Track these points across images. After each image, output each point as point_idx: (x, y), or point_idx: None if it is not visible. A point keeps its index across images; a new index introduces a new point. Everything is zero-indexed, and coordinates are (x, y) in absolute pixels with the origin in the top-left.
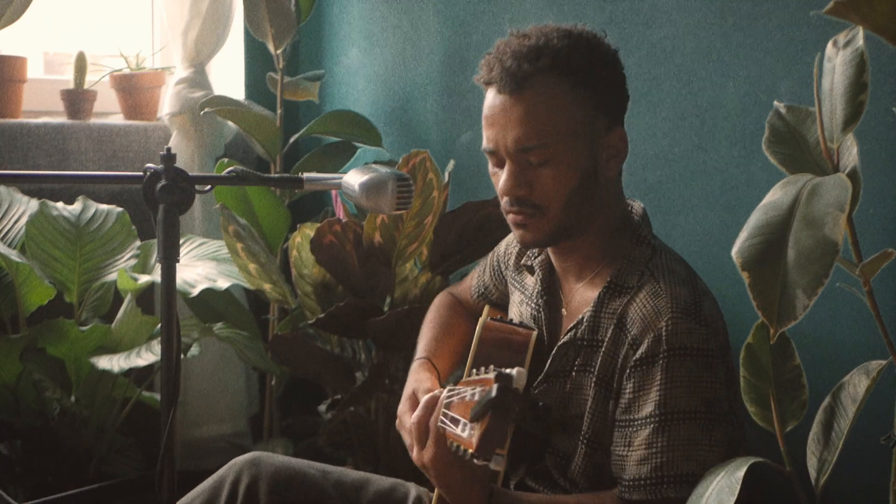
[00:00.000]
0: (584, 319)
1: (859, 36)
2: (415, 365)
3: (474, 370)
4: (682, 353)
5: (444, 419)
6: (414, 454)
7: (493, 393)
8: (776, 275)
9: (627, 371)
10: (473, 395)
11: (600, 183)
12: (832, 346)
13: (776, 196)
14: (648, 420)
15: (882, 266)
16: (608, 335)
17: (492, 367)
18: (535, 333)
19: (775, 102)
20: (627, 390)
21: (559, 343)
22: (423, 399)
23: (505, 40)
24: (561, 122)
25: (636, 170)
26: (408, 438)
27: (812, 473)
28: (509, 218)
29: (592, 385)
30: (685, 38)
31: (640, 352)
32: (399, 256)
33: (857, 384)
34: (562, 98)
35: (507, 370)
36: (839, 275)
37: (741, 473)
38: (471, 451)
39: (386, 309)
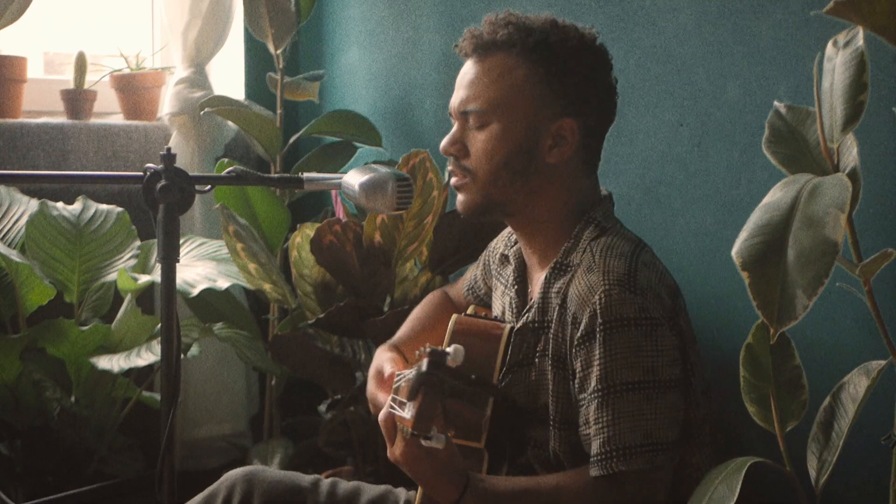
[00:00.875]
0: (535, 303)
1: (859, 36)
2: (379, 349)
3: (417, 352)
4: (619, 325)
5: (392, 405)
6: (388, 452)
7: (423, 367)
8: (776, 275)
9: (574, 350)
10: (412, 375)
11: (538, 166)
12: (832, 346)
13: (776, 196)
14: (593, 395)
15: (882, 266)
16: (555, 316)
17: (427, 344)
18: (508, 327)
19: (775, 102)
20: (577, 369)
21: (514, 329)
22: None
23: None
24: (505, 94)
25: (636, 170)
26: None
27: (812, 473)
28: (451, 181)
29: (550, 367)
30: (685, 38)
31: (580, 330)
32: (399, 256)
33: (857, 384)
34: (514, 72)
35: (443, 347)
36: (839, 275)
37: (741, 473)
38: (409, 428)
39: (386, 309)
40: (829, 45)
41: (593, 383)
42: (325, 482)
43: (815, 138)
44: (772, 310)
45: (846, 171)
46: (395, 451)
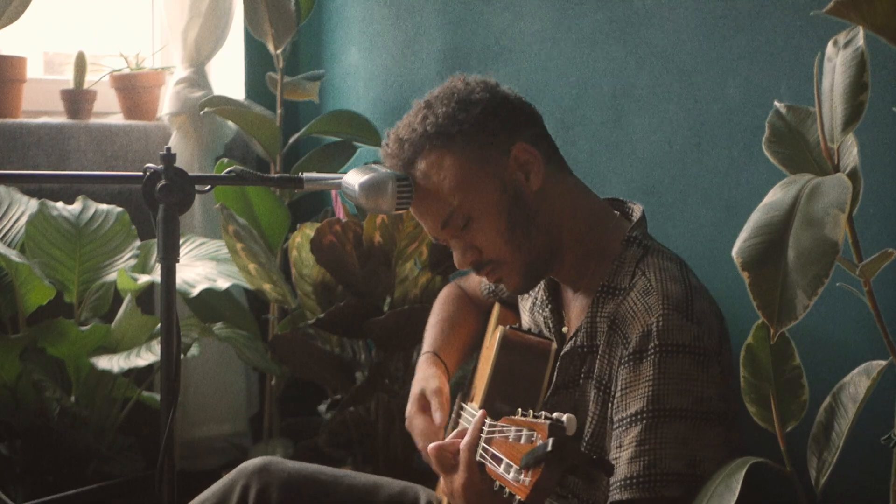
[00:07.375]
0: (582, 326)
1: (859, 36)
2: (422, 359)
3: (520, 410)
4: (675, 350)
5: (484, 455)
6: (442, 479)
7: (549, 448)
8: (776, 275)
9: (619, 367)
10: (519, 437)
11: (531, 203)
12: (832, 346)
13: (776, 196)
14: (639, 416)
15: (882, 266)
16: (604, 339)
17: (543, 414)
18: (553, 345)
19: (775, 102)
20: (619, 386)
21: (562, 353)
22: (471, 428)
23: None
24: (455, 181)
25: (636, 170)
26: (423, 451)
27: (812, 473)
28: (487, 280)
29: (592, 389)
30: (685, 38)
31: (630, 347)
32: (399, 256)
33: (858, 384)
34: (443, 160)
35: (559, 418)
36: (839, 275)
37: (741, 473)
38: (519, 497)
39: (386, 309)
40: (829, 45)
41: (640, 405)
42: (346, 475)
43: (815, 138)
44: (772, 310)
45: (846, 171)
46: (453, 481)
